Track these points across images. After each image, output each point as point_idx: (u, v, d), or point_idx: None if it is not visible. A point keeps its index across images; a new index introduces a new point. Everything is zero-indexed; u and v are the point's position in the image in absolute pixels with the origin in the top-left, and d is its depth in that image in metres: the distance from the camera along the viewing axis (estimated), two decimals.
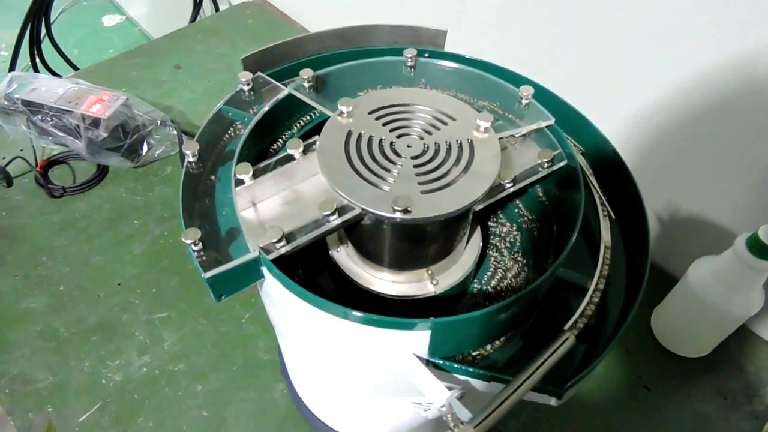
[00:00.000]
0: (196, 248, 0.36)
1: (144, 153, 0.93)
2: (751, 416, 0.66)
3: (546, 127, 0.45)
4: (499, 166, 0.39)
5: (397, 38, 0.54)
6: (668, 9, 0.64)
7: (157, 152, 0.95)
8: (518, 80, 0.48)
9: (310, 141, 0.41)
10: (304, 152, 0.40)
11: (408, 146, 0.40)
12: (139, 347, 0.73)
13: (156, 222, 0.87)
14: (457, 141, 0.40)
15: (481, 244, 0.47)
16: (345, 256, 0.46)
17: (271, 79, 0.48)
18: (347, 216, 0.37)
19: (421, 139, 0.40)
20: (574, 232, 0.38)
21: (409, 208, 0.35)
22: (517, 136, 0.45)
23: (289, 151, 0.40)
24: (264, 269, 0.37)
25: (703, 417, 0.66)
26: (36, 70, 1.39)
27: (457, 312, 0.46)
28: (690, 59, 0.65)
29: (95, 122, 0.84)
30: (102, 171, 0.92)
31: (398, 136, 0.40)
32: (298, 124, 0.50)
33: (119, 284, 0.79)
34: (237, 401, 0.68)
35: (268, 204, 0.40)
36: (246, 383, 0.70)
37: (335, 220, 0.37)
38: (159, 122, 0.94)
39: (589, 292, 0.39)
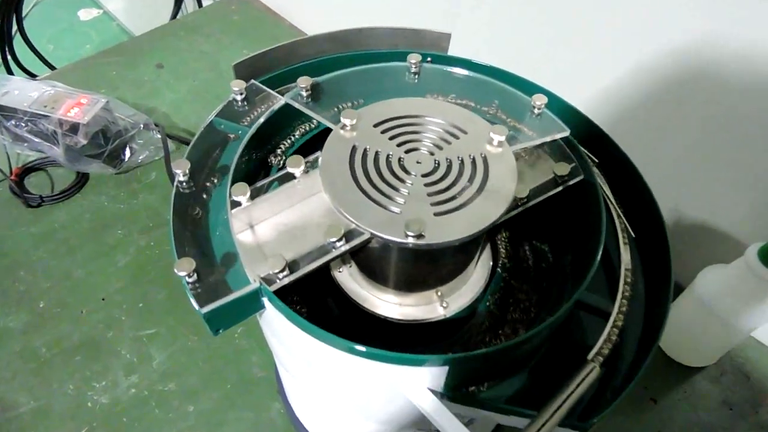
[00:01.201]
0: (190, 280, 0.33)
1: (126, 159, 0.89)
2: (758, 426, 0.65)
3: (560, 138, 0.42)
4: (516, 183, 0.36)
5: (397, 41, 0.51)
6: (657, 5, 0.62)
7: (141, 157, 0.90)
8: (527, 87, 0.46)
9: (311, 157, 0.38)
10: (306, 170, 0.37)
11: (417, 162, 0.37)
12: (126, 366, 0.69)
13: (141, 231, 0.83)
14: (470, 156, 0.37)
15: (491, 262, 0.44)
16: (348, 277, 0.43)
17: (266, 88, 0.45)
18: (355, 242, 0.34)
19: (432, 154, 0.38)
20: (596, 256, 0.36)
21: (422, 233, 0.33)
22: (530, 148, 0.42)
23: (289, 170, 0.37)
24: (265, 299, 0.34)
25: (710, 428, 0.65)
26: (7, 68, 1.33)
27: (466, 336, 0.44)
28: (691, 57, 0.63)
29: (74, 128, 0.80)
30: (82, 178, 0.87)
31: (407, 152, 0.38)
32: (295, 134, 0.47)
33: (103, 299, 0.75)
34: (231, 421, 0.65)
35: (267, 227, 0.36)
36: (240, 402, 0.67)
37: (342, 247, 0.34)
38: (142, 126, 0.89)
39: (609, 325, 0.37)
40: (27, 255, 0.79)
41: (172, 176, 0.92)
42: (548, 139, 0.42)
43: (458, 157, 0.37)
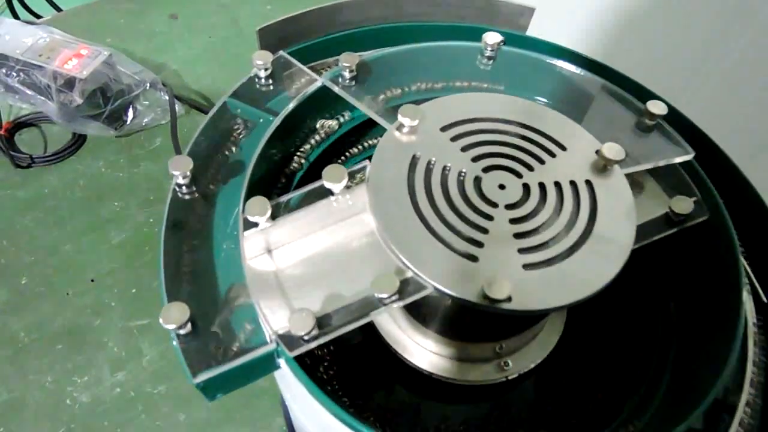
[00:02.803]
0: (182, 332, 0.24)
1: (129, 120, 0.79)
2: None
3: (680, 163, 0.32)
4: (635, 227, 0.27)
5: (465, 13, 0.41)
6: None
7: (145, 120, 0.81)
8: (634, 91, 0.35)
9: (355, 168, 0.28)
10: (348, 185, 0.28)
11: (500, 187, 0.27)
12: (113, 361, 0.61)
13: (140, 205, 0.74)
14: (571, 184, 0.28)
15: (566, 313, 0.35)
16: (387, 318, 0.34)
17: (297, 62, 0.35)
18: (413, 297, 0.25)
19: (519, 177, 0.28)
20: (736, 337, 0.26)
21: (510, 296, 0.23)
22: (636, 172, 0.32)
23: (326, 184, 0.27)
24: (281, 360, 0.25)
25: None
26: (10, 6, 1.22)
27: (516, 401, 0.35)
28: None
29: (69, 83, 0.70)
30: (78, 139, 0.78)
31: (485, 170, 0.28)
32: (331, 127, 0.37)
33: (92, 281, 0.67)
34: None
35: (290, 260, 0.27)
36: (238, 415, 0.59)
37: (394, 303, 0.25)
38: (148, 85, 0.79)
39: (735, 423, 0.28)
40: (11, 222, 0.70)
41: (177, 145, 0.83)
42: (663, 162, 0.32)
43: (556, 184, 0.28)
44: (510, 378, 0.32)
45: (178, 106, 0.81)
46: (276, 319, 0.25)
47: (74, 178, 0.76)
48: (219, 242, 0.28)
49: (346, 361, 0.33)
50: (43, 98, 0.73)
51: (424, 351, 0.33)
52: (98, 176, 0.76)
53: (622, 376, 0.33)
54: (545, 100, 0.35)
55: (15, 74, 0.72)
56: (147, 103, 0.80)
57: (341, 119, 0.36)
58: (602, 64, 0.36)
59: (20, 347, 0.62)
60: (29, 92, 0.74)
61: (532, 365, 0.33)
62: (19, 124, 0.79)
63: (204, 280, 0.26)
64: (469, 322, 0.31)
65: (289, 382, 0.28)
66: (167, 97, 0.80)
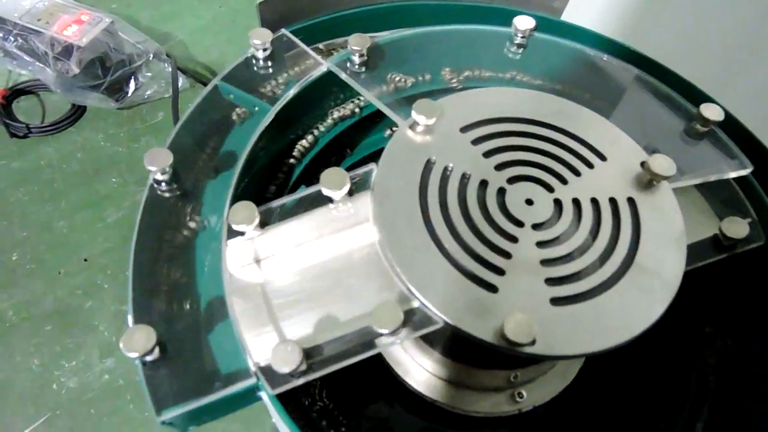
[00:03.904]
0: (149, 359, 0.20)
1: (131, 92, 0.75)
2: None
3: (735, 178, 0.28)
4: (686, 256, 0.23)
5: None
6: None
7: (148, 92, 0.77)
8: (686, 91, 0.31)
9: (358, 172, 0.24)
10: (350, 192, 0.24)
11: (528, 203, 0.23)
12: (103, 346, 0.59)
13: (139, 182, 0.71)
14: (610, 201, 0.24)
15: None
16: None
17: (301, 43, 0.31)
18: (418, 332, 0.21)
19: (550, 191, 0.24)
20: None
21: (534, 338, 0.20)
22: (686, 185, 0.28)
23: (324, 190, 0.23)
24: (263, 394, 0.22)
25: None
26: None
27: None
28: None
29: (67, 50, 0.66)
30: (78, 109, 0.74)
31: (511, 180, 0.24)
32: (333, 116, 0.33)
33: (86, 260, 0.64)
34: None
35: (280, 275, 0.23)
36: None
37: (398, 338, 0.21)
38: (151, 55, 0.75)
39: None
40: (4, 195, 0.68)
41: (178, 120, 0.79)
42: (715, 177, 0.28)
43: (592, 200, 0.24)
44: (523, 411, 0.29)
45: (182, 80, 0.77)
46: (259, 346, 0.21)
47: (72, 150, 0.72)
48: (202, 251, 0.24)
49: (340, 382, 0.30)
50: (41, 65, 0.70)
51: (428, 375, 0.29)
52: (97, 149, 0.73)
53: (650, 415, 0.29)
54: (581, 98, 0.31)
55: (13, 39, 0.69)
56: (150, 74, 0.76)
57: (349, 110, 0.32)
58: (648, 58, 0.32)
59: (8, 326, 0.59)
60: (27, 58, 0.70)
61: (549, 397, 0.29)
62: (17, 91, 0.75)
63: (181, 296, 0.23)
64: (481, 350, 0.27)
65: (271, 409, 0.25)
66: (171, 70, 0.76)
